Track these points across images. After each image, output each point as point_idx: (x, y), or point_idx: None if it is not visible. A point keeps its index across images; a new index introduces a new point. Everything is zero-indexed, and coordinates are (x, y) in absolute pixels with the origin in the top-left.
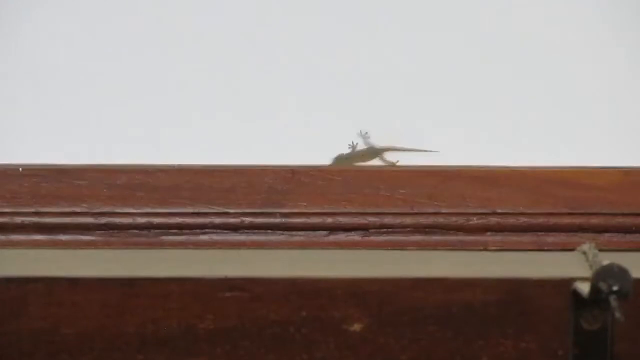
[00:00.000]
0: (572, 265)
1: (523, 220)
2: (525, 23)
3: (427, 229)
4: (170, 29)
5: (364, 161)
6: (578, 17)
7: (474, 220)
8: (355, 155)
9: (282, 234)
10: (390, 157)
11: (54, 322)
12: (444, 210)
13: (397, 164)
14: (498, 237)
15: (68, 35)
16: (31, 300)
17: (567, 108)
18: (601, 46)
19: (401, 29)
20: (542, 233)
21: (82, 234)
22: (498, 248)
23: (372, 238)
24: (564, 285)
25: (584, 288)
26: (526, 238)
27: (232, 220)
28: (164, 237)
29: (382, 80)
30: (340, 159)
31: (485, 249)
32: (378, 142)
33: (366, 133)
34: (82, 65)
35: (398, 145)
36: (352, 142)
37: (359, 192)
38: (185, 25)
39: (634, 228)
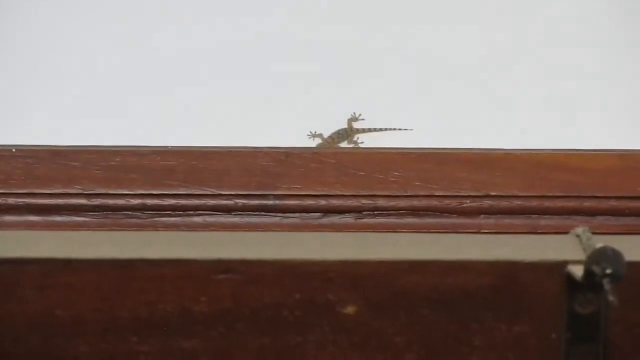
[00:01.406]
0: (566, 249)
1: (517, 203)
2: (520, 3)
3: (420, 212)
4: (167, 9)
5: (335, 144)
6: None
7: (468, 203)
8: (328, 139)
9: (276, 217)
10: (364, 139)
11: (48, 305)
12: (437, 193)
13: (360, 143)
14: (492, 220)
15: (61, 18)
16: (25, 283)
17: (563, 91)
18: (598, 27)
19: (397, 16)
20: (536, 216)
21: (75, 216)
22: (492, 231)
23: (366, 221)
24: (558, 268)
25: (578, 271)
26: (520, 221)
27: (225, 202)
28: (158, 219)
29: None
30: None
31: (479, 232)
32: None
33: (359, 115)
34: (75, 43)
35: (371, 127)
36: (312, 132)
37: (353, 175)
38: (181, 7)
39: (627, 211)
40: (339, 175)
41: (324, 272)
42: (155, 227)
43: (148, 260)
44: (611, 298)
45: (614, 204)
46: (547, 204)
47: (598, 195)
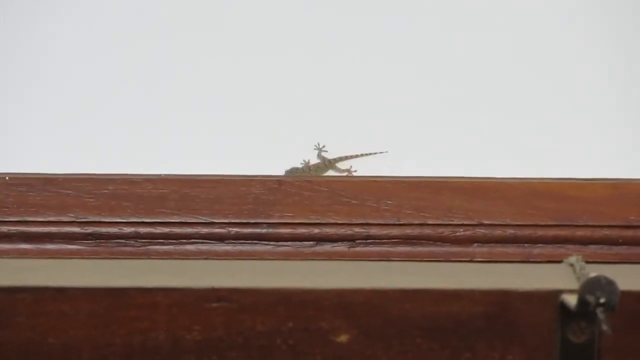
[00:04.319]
0: (559, 278)
1: (510, 232)
2: (512, 31)
3: (413, 240)
4: (159, 37)
5: (317, 174)
6: (568, 29)
7: (461, 232)
8: (307, 169)
9: (269, 245)
10: (344, 166)
11: (40, 332)
12: (430, 222)
13: (353, 171)
14: (485, 249)
15: (53, 40)
16: (17, 310)
17: (556, 119)
18: (593, 55)
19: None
20: (529, 245)
21: (68, 244)
22: (485, 259)
23: (359, 249)
24: (551, 297)
25: (571, 300)
26: (512, 250)
27: (218, 230)
28: (151, 247)
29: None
30: (292, 171)
31: (472, 261)
32: (332, 153)
33: (323, 146)
34: (69, 72)
35: (348, 154)
36: (305, 160)
37: (346, 203)
38: (173, 34)
39: (620, 240)
40: (332, 204)
41: (316, 301)
42: (148, 255)
43: (140, 288)
44: (605, 327)
45: (606, 232)
46: (540, 232)
47: (591, 223)
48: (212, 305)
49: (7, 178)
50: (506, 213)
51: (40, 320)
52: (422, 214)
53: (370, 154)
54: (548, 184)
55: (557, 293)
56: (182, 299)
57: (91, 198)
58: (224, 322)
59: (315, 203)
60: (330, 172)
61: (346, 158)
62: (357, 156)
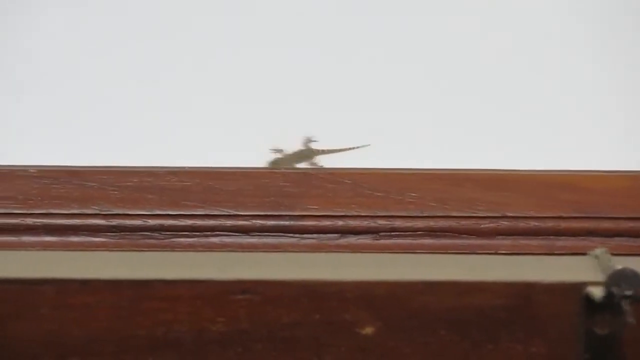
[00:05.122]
0: (584, 270)
1: (533, 224)
2: (531, 20)
3: (437, 233)
4: (175, 29)
5: (293, 163)
6: (586, 17)
7: (485, 224)
8: (287, 159)
9: (293, 237)
10: (324, 160)
11: (64, 324)
12: (454, 214)
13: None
14: (508, 241)
15: (73, 32)
16: (41, 302)
17: (578, 111)
18: (611, 46)
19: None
20: (552, 237)
21: (92, 236)
22: (508, 252)
23: (383, 241)
24: (576, 289)
25: (597, 292)
26: (536, 242)
27: (242, 222)
28: (175, 239)
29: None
30: (276, 162)
31: (496, 253)
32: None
33: (312, 137)
34: (92, 63)
35: (330, 148)
36: (275, 147)
37: (370, 196)
38: (190, 26)
39: None
40: (356, 196)
41: (341, 293)
42: (172, 248)
43: (165, 280)
44: (630, 319)
45: (631, 224)
46: (564, 224)
47: (615, 216)
48: (236, 297)
49: (31, 170)
50: (529, 205)
51: (64, 312)
52: (445, 206)
53: (352, 148)
54: (571, 177)
55: (582, 285)
56: (207, 291)
57: (115, 190)
58: (249, 314)
59: (339, 195)
60: (304, 165)
61: (330, 152)
62: (340, 150)
